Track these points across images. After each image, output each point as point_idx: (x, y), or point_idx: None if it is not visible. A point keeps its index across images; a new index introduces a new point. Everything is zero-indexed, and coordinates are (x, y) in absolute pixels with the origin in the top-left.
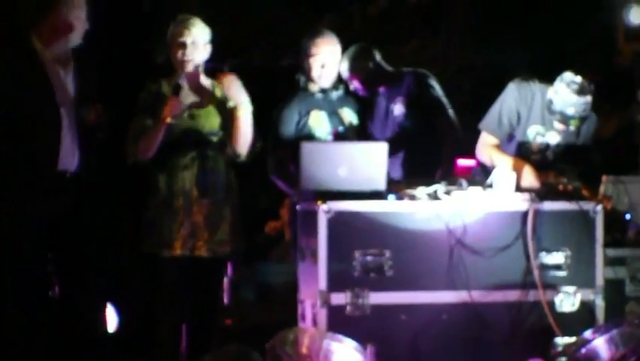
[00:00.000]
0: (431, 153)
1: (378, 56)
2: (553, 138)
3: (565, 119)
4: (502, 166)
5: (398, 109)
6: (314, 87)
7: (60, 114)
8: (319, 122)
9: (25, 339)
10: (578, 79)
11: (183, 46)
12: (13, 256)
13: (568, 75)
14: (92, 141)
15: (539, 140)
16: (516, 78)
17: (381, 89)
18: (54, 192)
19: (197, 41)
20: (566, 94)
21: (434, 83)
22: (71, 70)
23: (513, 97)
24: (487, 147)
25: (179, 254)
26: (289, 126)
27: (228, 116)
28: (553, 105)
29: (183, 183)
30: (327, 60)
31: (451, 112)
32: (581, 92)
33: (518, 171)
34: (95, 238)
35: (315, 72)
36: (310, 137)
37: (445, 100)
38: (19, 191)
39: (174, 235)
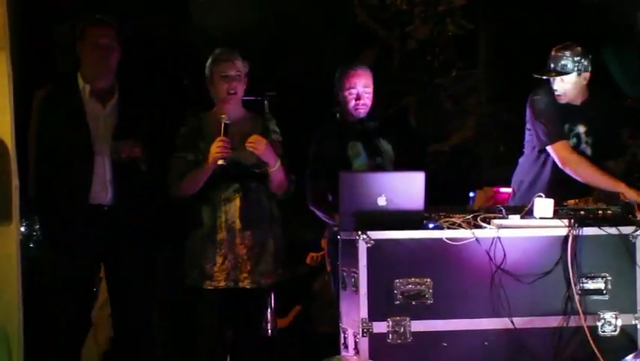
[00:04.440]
0: None
1: None
2: (582, 129)
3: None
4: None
5: None
6: (350, 119)
7: (92, 149)
8: (357, 153)
9: None
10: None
11: (227, 79)
12: (51, 290)
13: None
14: (132, 175)
15: (572, 134)
16: (532, 93)
17: None
18: (90, 225)
19: (240, 74)
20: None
21: None
22: (113, 105)
23: (546, 102)
24: (573, 154)
25: (223, 286)
26: (327, 157)
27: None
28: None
29: (226, 216)
30: (362, 92)
31: None
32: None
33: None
34: (137, 270)
35: (351, 105)
36: (348, 167)
37: None
38: (55, 223)
39: (217, 267)
